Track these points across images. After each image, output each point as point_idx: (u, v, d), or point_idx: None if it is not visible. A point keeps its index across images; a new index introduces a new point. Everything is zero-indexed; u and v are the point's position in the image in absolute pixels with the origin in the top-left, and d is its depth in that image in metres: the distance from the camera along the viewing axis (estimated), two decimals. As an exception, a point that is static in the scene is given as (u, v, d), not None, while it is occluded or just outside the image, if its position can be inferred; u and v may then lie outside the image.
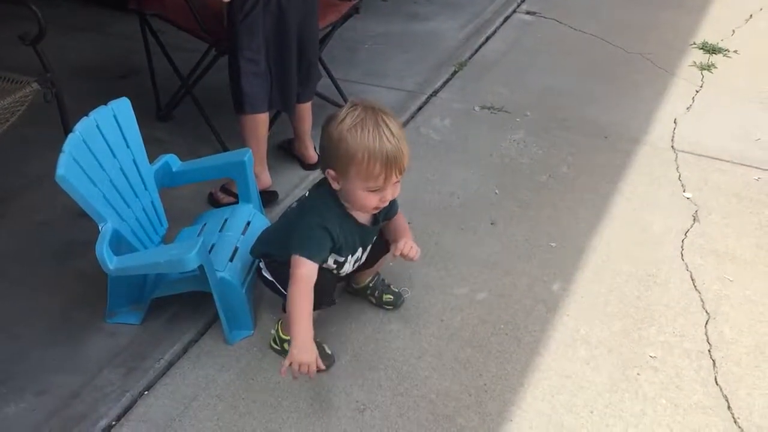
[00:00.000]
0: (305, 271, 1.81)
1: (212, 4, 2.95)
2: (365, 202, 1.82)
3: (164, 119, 3.20)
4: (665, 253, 2.50)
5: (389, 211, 2.03)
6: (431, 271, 2.41)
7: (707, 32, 4.03)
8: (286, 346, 2.04)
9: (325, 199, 1.88)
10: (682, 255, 2.49)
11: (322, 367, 1.79)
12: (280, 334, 2.07)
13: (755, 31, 4.09)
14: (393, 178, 1.78)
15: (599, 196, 2.78)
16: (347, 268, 2.01)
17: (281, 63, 2.50)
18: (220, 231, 2.21)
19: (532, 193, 2.80)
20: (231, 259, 2.11)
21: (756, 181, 2.87)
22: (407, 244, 1.99)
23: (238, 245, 2.17)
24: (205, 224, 2.27)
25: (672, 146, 3.08)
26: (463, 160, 2.99)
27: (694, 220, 2.65)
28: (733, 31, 4.08)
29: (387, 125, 1.75)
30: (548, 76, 3.62)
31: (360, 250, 1.99)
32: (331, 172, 1.81)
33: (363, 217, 1.94)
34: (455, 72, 3.66)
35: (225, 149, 2.88)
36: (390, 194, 1.83)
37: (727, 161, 2.98)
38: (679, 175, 2.89)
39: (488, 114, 3.31)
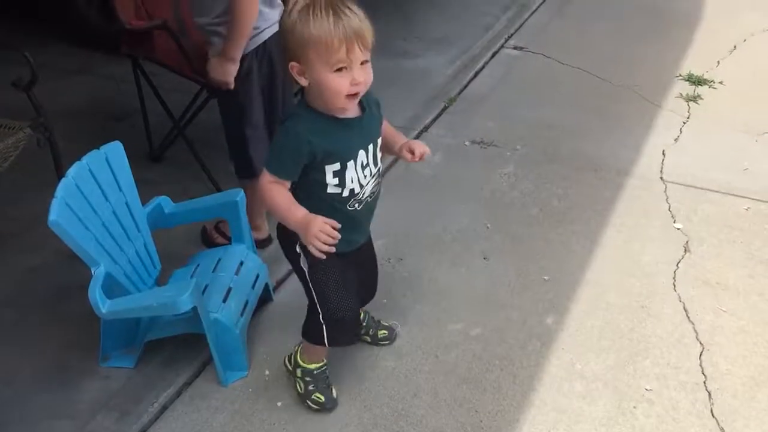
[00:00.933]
0: (265, 180, 1.72)
1: (201, 47, 2.99)
2: (336, 86, 1.62)
3: (157, 160, 3.21)
4: (657, 284, 2.51)
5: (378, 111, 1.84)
6: (425, 307, 2.42)
7: (692, 64, 4.09)
8: (299, 372, 2.04)
9: (298, 109, 1.75)
10: (674, 286, 2.50)
11: (335, 224, 1.68)
12: (299, 358, 2.05)
13: (739, 62, 4.16)
14: (357, 52, 1.60)
15: (590, 228, 2.80)
16: (363, 186, 1.79)
17: (273, 120, 2.50)
18: (214, 271, 2.22)
19: (524, 227, 2.81)
20: (224, 300, 2.11)
21: (745, 210, 2.89)
22: (417, 146, 1.83)
23: (231, 286, 2.17)
24: (198, 265, 2.27)
25: (661, 177, 3.11)
26: (455, 194, 3.00)
27: (686, 250, 2.67)
28: (718, 62, 4.14)
29: (340, 2, 1.61)
30: (537, 110, 3.66)
31: (362, 152, 1.76)
32: (294, 64, 1.65)
33: (347, 114, 1.74)
34: (445, 107, 3.70)
35: (218, 189, 2.89)
36: (360, 74, 1.63)
37: (716, 191, 3.01)
38: (669, 206, 2.92)
39: (478, 148, 3.34)
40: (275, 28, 2.30)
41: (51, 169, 2.55)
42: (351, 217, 1.82)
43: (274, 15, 2.35)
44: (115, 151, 2.14)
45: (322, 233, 1.66)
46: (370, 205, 1.87)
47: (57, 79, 3.88)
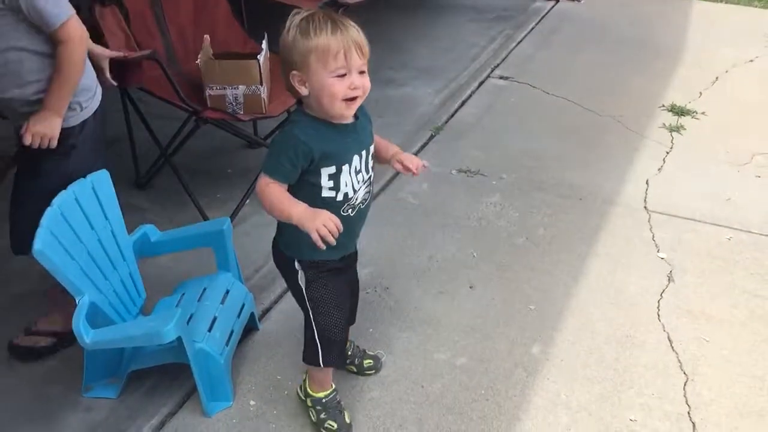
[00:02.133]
0: (262, 182, 1.76)
1: (192, 74, 3.02)
2: (335, 89, 1.69)
3: (144, 187, 3.21)
4: (642, 313, 2.52)
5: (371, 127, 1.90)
6: (412, 336, 2.42)
7: (676, 95, 4.15)
8: (309, 401, 2.07)
9: (295, 116, 1.82)
10: (658, 315, 2.52)
11: (336, 220, 1.71)
12: (308, 387, 2.08)
13: (722, 93, 4.23)
14: (355, 58, 1.68)
15: (576, 257, 2.81)
16: (356, 191, 1.84)
17: None
18: (199, 300, 2.21)
19: (510, 256, 2.83)
20: (210, 329, 2.10)
21: (728, 240, 2.92)
22: (408, 158, 1.92)
23: (216, 315, 2.16)
24: (183, 294, 2.27)
25: (645, 207, 3.14)
26: (441, 223, 3.02)
27: (669, 280, 2.69)
28: (701, 93, 4.21)
29: (337, 17, 1.70)
30: (523, 139, 3.70)
31: (356, 158, 1.81)
32: (295, 73, 1.71)
33: (343, 119, 1.79)
34: (432, 136, 3.73)
35: (204, 217, 2.90)
36: (358, 80, 1.70)
37: (700, 221, 3.04)
38: (653, 236, 2.94)
39: (465, 177, 3.37)
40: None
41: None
42: (348, 221, 1.85)
43: (98, 95, 2.22)
44: (101, 180, 2.14)
45: (330, 221, 1.70)
46: (362, 212, 1.91)
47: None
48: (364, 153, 1.84)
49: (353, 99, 1.73)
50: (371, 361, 2.25)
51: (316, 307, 1.93)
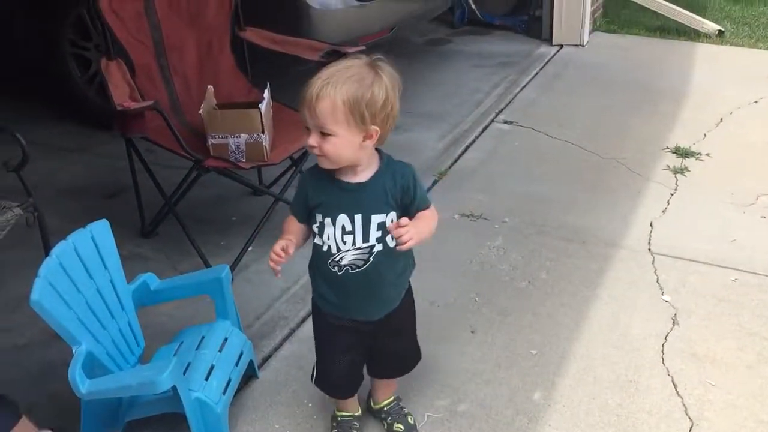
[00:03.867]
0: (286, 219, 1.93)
1: (195, 125, 3.07)
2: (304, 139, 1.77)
3: (148, 236, 3.24)
4: (646, 357, 2.49)
5: (415, 203, 1.88)
6: (411, 381, 2.39)
7: (679, 137, 4.16)
8: (332, 413, 2.20)
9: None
10: (662, 359, 2.48)
11: (278, 248, 1.82)
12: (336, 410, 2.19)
13: (726, 135, 4.22)
14: (304, 113, 1.69)
15: (579, 301, 2.80)
16: (340, 250, 1.84)
17: None
18: (197, 349, 2.21)
19: (512, 300, 2.81)
20: (206, 378, 2.10)
21: (733, 282, 2.89)
22: (402, 226, 1.75)
23: (214, 363, 2.16)
24: (182, 342, 2.27)
25: (649, 249, 3.12)
26: (443, 267, 3.01)
27: (674, 323, 2.66)
28: (705, 134, 4.21)
29: (333, 73, 1.69)
30: (526, 183, 3.71)
31: (345, 217, 1.80)
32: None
33: (352, 177, 1.80)
34: (435, 181, 3.75)
35: (207, 265, 2.91)
36: (313, 139, 1.70)
37: (704, 263, 3.01)
38: (657, 278, 2.92)
39: (468, 221, 3.37)
40: None
41: (40, 247, 2.57)
42: (337, 279, 1.88)
43: None
44: (101, 229, 2.16)
45: (276, 246, 1.82)
46: (359, 280, 1.87)
47: (54, 158, 3.96)
48: (358, 217, 1.80)
49: (318, 155, 1.74)
50: (402, 427, 2.18)
51: (316, 340, 2.08)
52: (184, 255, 3.06)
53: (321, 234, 1.84)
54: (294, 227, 1.90)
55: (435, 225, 1.93)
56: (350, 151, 1.74)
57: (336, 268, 1.86)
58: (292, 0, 3.81)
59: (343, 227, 1.81)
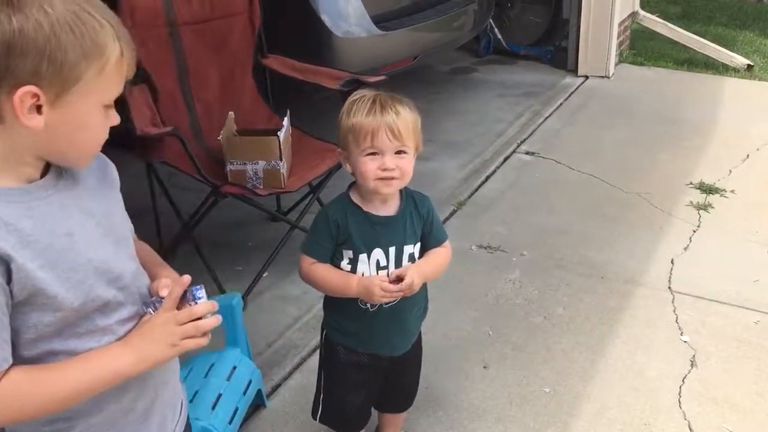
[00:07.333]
0: (305, 264, 1.83)
1: (215, 151, 3.09)
2: (365, 169, 1.73)
3: (166, 258, 3.24)
4: (662, 400, 2.44)
5: (432, 233, 1.90)
6: (421, 417, 2.36)
7: (704, 172, 4.09)
8: None
9: (336, 198, 1.88)
10: (679, 402, 2.43)
11: (386, 282, 1.76)
12: None
13: (752, 172, 4.15)
14: (383, 140, 1.70)
15: (595, 338, 2.75)
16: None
17: None
18: (205, 377, 2.20)
19: (527, 335, 2.77)
20: (213, 407, 2.09)
21: (755, 324, 2.83)
22: (403, 271, 1.78)
23: (221, 392, 2.15)
24: (191, 369, 2.26)
25: (669, 287, 3.06)
26: (458, 300, 2.99)
27: (692, 365, 2.60)
28: (730, 171, 4.14)
29: (382, 98, 1.74)
30: (546, 216, 3.68)
31: (380, 251, 1.81)
32: (340, 151, 1.82)
33: (381, 209, 1.82)
34: (454, 211, 3.73)
35: (221, 290, 2.92)
36: (391, 161, 1.71)
37: (726, 303, 2.95)
38: (677, 318, 2.86)
39: (485, 253, 3.34)
40: None
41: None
42: (367, 315, 1.85)
43: None
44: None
45: (385, 293, 1.76)
46: (391, 314, 1.87)
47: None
48: (392, 249, 1.81)
49: (390, 179, 1.74)
50: None
51: (322, 369, 2.04)
52: (200, 280, 3.04)
53: (354, 271, 1.81)
54: (333, 268, 1.83)
55: (446, 263, 1.94)
56: (412, 170, 1.79)
57: (368, 304, 1.83)
58: (316, 28, 3.84)
59: (378, 262, 1.82)
